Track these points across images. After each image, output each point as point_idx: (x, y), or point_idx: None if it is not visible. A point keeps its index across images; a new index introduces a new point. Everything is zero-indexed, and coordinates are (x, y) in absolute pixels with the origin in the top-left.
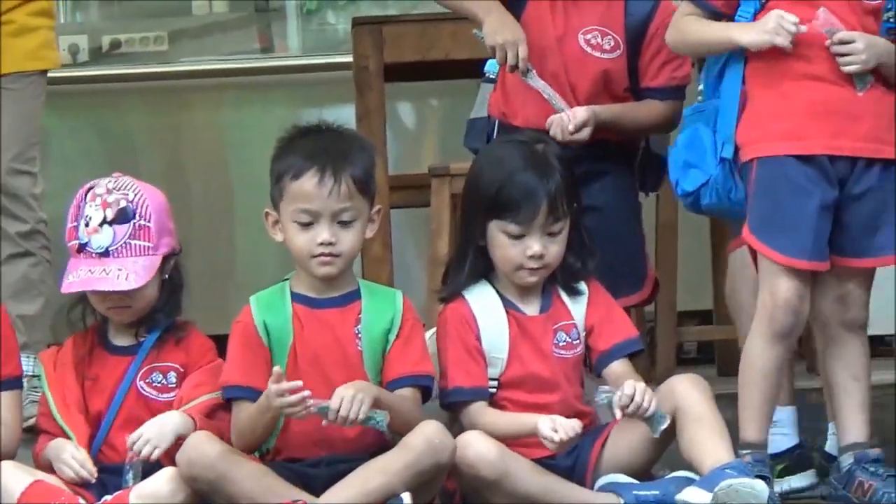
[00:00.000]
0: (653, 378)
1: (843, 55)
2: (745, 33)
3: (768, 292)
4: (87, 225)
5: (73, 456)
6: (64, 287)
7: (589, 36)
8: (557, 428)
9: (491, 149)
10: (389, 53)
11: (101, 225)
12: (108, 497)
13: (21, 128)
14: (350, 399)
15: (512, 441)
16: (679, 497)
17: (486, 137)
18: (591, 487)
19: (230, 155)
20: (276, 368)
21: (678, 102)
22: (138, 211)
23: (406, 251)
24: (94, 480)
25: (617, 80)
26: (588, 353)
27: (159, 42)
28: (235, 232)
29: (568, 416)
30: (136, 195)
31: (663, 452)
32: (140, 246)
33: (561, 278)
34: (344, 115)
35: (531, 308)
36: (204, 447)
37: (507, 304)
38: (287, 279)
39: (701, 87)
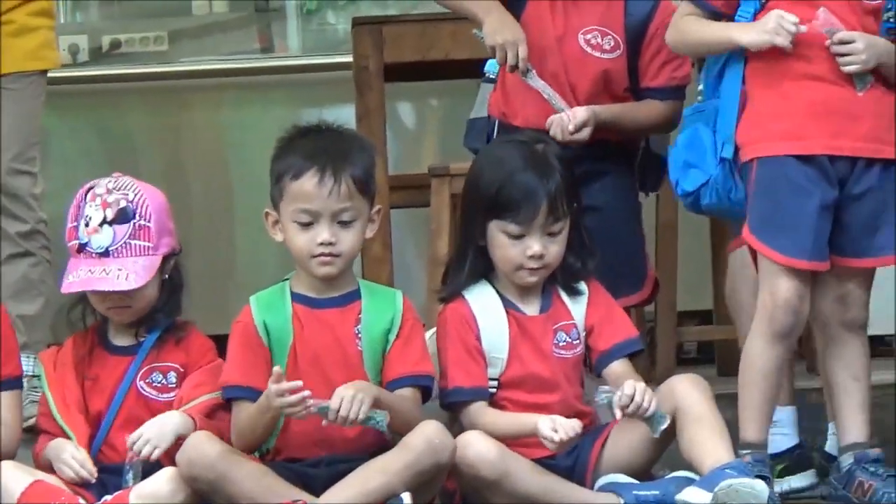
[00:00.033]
0: (653, 378)
1: (843, 55)
2: (745, 33)
3: (768, 292)
4: (87, 225)
5: (73, 456)
6: (64, 287)
7: (589, 36)
8: (557, 428)
9: (491, 149)
10: (389, 53)
11: (101, 225)
12: (108, 497)
13: (21, 128)
14: (350, 399)
15: (512, 441)
16: (679, 497)
17: (486, 137)
18: (591, 487)
19: (230, 155)
20: (276, 368)
21: (678, 102)
22: (138, 211)
23: (406, 251)
24: (94, 480)
25: (617, 80)
26: (588, 353)
27: (159, 42)
28: (235, 232)
29: (568, 416)
30: (136, 195)
31: (663, 452)
32: (140, 246)
33: (561, 278)
34: (344, 115)
35: (531, 308)
36: (204, 447)
37: (507, 304)
38: (287, 279)
39: (701, 87)
